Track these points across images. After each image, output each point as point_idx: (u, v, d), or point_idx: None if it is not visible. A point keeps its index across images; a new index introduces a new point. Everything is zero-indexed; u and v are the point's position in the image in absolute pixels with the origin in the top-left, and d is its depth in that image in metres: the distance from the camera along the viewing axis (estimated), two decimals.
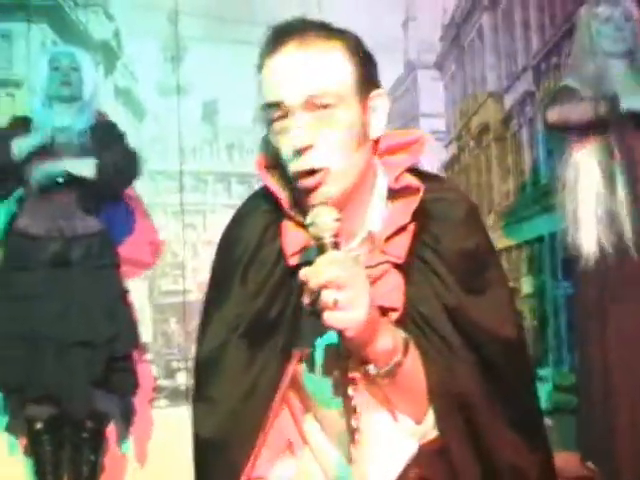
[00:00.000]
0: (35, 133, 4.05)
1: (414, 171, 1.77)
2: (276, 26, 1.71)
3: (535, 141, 5.66)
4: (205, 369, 1.82)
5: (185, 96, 5.17)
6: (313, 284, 1.53)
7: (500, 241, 5.54)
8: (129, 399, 4.40)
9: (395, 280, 1.71)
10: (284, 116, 1.64)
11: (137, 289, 4.54)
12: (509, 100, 5.88)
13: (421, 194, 1.71)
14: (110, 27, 5.26)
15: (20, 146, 3.99)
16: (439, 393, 1.68)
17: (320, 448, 1.81)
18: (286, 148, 1.65)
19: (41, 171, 3.99)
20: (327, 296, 1.52)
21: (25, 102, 4.66)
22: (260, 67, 1.71)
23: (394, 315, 1.69)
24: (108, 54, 5.25)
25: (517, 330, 1.81)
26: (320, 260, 1.55)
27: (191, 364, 4.89)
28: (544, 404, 2.06)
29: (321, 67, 1.64)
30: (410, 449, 1.70)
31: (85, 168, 4.01)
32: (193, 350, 5.19)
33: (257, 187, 1.92)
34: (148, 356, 4.94)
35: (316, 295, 1.55)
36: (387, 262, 1.71)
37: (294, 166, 1.64)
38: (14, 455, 4.41)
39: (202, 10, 5.24)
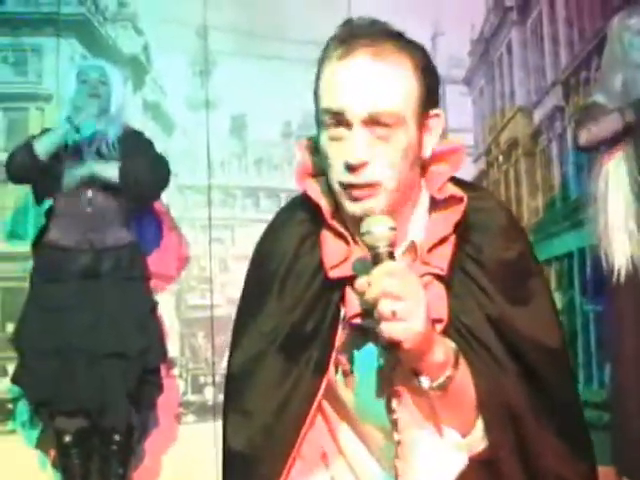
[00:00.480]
0: (55, 130, 4.07)
1: (451, 179, 1.76)
2: (349, 24, 1.68)
3: (564, 156, 5.62)
4: (238, 381, 1.80)
5: (214, 110, 5.18)
6: (371, 296, 1.52)
7: None
8: (150, 413, 4.40)
9: (438, 291, 1.69)
10: (340, 125, 1.62)
11: (164, 303, 4.54)
12: (538, 115, 5.84)
13: (464, 205, 1.70)
14: (139, 42, 5.27)
15: (42, 143, 4.00)
16: (489, 405, 1.67)
17: (358, 459, 1.79)
18: (338, 158, 1.62)
19: (68, 174, 4.02)
20: (385, 307, 1.50)
21: (54, 116, 4.68)
22: (323, 63, 1.67)
23: (439, 327, 1.67)
24: (137, 69, 5.26)
25: (560, 339, 1.80)
26: (376, 271, 1.54)
27: (219, 379, 4.88)
28: None
29: (390, 85, 1.61)
30: (459, 462, 1.68)
31: (110, 170, 4.02)
32: (221, 365, 5.19)
33: (285, 201, 1.90)
34: (175, 371, 4.93)
35: (370, 306, 1.53)
36: (429, 274, 1.70)
37: (345, 178, 1.62)
38: (45, 470, 4.42)
39: (231, 25, 5.25)
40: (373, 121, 1.60)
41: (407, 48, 1.65)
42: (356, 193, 1.62)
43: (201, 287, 5.03)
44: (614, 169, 3.73)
